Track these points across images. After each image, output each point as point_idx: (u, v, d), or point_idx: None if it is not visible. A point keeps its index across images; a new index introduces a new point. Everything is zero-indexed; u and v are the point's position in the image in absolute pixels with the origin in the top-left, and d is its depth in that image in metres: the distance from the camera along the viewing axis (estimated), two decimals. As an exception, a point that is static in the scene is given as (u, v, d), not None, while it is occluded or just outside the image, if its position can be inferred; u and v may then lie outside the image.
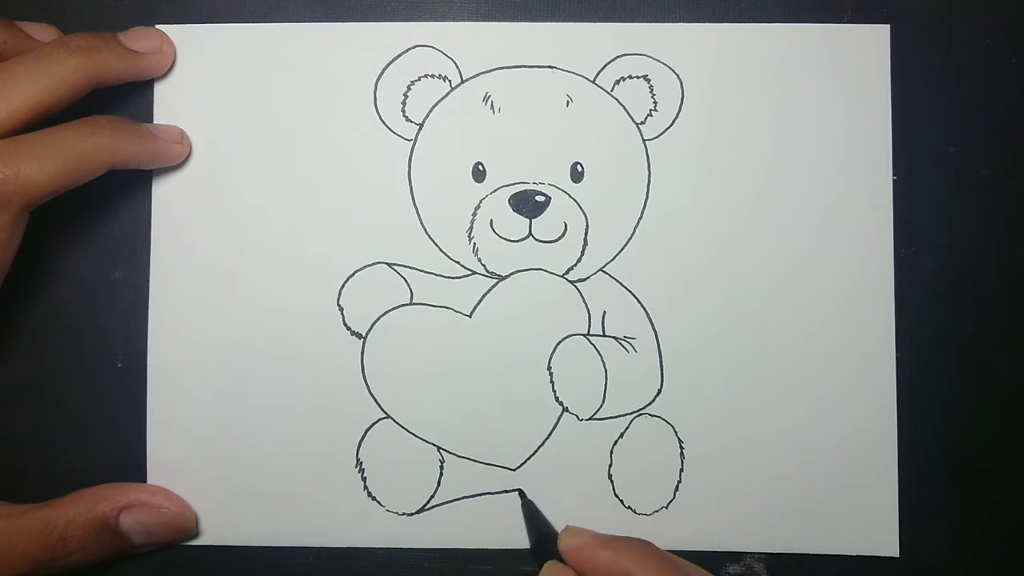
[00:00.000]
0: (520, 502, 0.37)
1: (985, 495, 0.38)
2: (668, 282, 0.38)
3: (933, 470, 0.38)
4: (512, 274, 0.38)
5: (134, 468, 0.38)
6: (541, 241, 0.38)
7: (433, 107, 0.39)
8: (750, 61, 0.38)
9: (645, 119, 0.38)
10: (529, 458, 0.38)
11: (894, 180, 0.38)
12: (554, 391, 0.38)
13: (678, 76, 0.38)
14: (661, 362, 0.38)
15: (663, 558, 0.33)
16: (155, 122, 0.38)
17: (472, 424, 0.38)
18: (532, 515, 0.37)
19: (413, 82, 0.39)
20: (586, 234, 0.38)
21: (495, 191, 0.38)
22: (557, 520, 0.37)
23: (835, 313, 0.38)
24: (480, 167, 0.38)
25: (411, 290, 0.38)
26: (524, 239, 0.38)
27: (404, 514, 0.38)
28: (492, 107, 0.38)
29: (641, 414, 0.38)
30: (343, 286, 0.38)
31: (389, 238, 0.38)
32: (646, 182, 0.38)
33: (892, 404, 0.38)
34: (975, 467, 0.38)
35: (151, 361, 0.38)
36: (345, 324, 0.38)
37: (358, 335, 0.38)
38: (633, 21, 0.39)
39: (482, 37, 0.39)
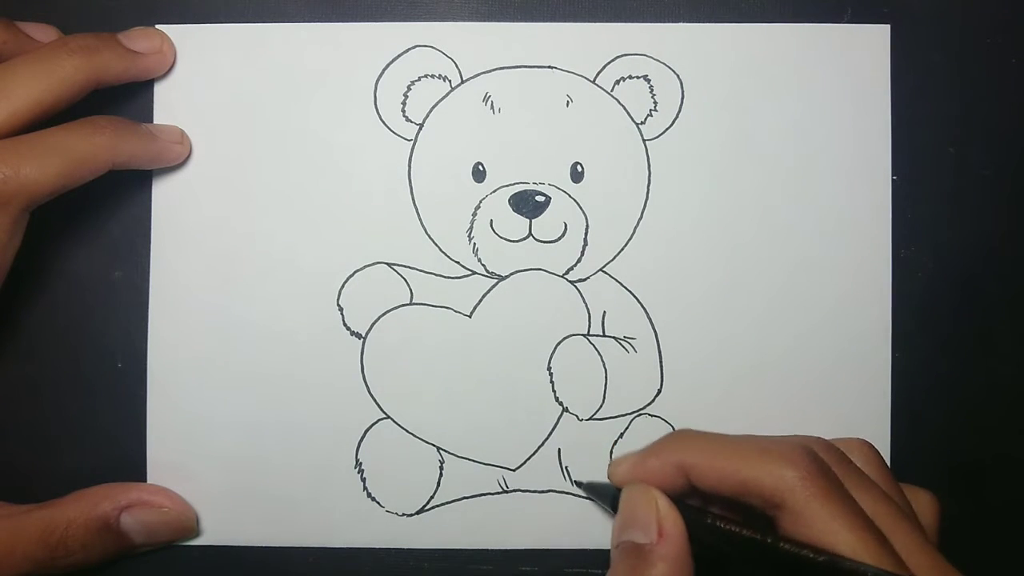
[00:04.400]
0: (582, 487, 0.37)
1: (979, 494, 0.38)
2: (668, 282, 0.38)
3: (928, 468, 0.38)
4: (512, 274, 0.38)
5: (134, 468, 0.38)
6: (541, 241, 0.38)
7: (433, 107, 0.39)
8: (750, 61, 0.38)
9: (645, 119, 0.38)
10: (529, 458, 0.38)
11: (894, 180, 0.38)
12: (554, 391, 0.38)
13: (678, 76, 0.38)
14: (661, 362, 0.38)
15: (704, 436, 0.32)
16: (155, 122, 0.38)
17: (472, 424, 0.38)
18: (592, 487, 0.36)
19: (413, 82, 0.39)
20: (586, 234, 0.38)
21: (495, 191, 0.38)
22: (556, 522, 0.38)
23: (834, 313, 0.38)
24: (480, 167, 0.38)
25: (411, 290, 0.38)
26: (524, 239, 0.38)
27: (404, 514, 0.38)
28: (492, 107, 0.38)
29: (641, 414, 0.38)
30: (343, 286, 0.38)
31: (389, 238, 0.38)
32: (646, 182, 0.38)
33: (887, 403, 0.38)
34: (970, 466, 0.38)
35: (151, 361, 0.38)
36: (345, 324, 0.38)
37: (358, 335, 0.38)
38: (633, 21, 0.39)
39: (482, 37, 0.39)
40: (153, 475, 0.38)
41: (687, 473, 0.31)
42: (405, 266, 0.38)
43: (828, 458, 0.31)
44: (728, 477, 0.30)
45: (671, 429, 0.38)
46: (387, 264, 0.38)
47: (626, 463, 0.33)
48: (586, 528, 0.38)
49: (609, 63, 0.38)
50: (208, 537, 0.38)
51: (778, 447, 0.30)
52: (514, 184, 0.38)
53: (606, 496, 0.35)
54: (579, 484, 0.38)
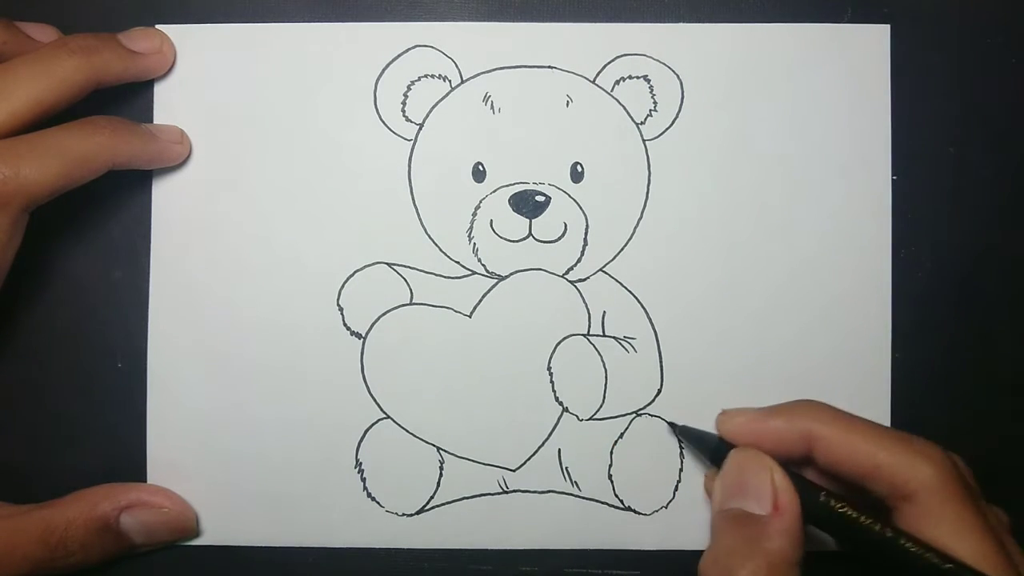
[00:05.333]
0: (676, 430, 0.37)
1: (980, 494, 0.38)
2: (668, 282, 0.38)
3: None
4: (512, 274, 0.38)
5: (134, 468, 0.38)
6: (541, 241, 0.38)
7: (433, 107, 0.39)
8: (750, 61, 0.38)
9: (645, 119, 0.38)
10: (529, 458, 0.38)
11: (894, 180, 0.38)
12: (554, 391, 0.38)
13: (678, 76, 0.38)
14: (661, 362, 0.38)
15: (836, 411, 0.32)
16: (155, 122, 0.38)
17: (472, 424, 0.38)
18: (689, 432, 0.36)
19: (413, 82, 0.39)
20: (586, 234, 0.38)
21: (495, 191, 0.38)
22: (556, 522, 0.38)
23: (834, 312, 0.38)
24: (480, 167, 0.38)
25: (411, 290, 0.38)
26: (524, 239, 0.38)
27: (404, 514, 0.38)
28: (492, 107, 0.38)
29: (641, 414, 0.38)
30: (343, 286, 0.38)
31: (389, 238, 0.38)
32: (646, 182, 0.38)
33: (887, 403, 0.38)
34: (970, 466, 0.38)
35: (151, 361, 0.38)
36: (345, 324, 0.38)
37: (358, 335, 0.38)
38: (633, 21, 0.39)
39: (482, 37, 0.39)
40: (153, 475, 0.38)
41: (812, 444, 0.31)
42: (405, 266, 0.38)
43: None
44: (862, 458, 0.30)
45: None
46: (387, 264, 0.38)
47: (742, 417, 0.33)
48: (586, 528, 0.38)
49: (609, 63, 0.38)
50: (208, 537, 0.38)
51: (919, 442, 0.30)
52: (514, 184, 0.38)
53: (706, 446, 0.35)
54: (674, 427, 0.37)
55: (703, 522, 0.38)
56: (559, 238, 0.38)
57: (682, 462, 0.38)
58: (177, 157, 0.38)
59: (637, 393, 0.38)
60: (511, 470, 0.38)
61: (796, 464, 0.33)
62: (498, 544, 0.38)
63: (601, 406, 0.38)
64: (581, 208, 0.38)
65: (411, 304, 0.38)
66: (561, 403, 0.38)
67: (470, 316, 0.38)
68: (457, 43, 0.38)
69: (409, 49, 0.39)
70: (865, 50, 0.38)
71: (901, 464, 0.29)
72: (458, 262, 0.38)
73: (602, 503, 0.38)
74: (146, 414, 0.38)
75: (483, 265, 0.38)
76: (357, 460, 0.38)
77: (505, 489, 0.38)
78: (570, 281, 0.38)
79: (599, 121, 0.38)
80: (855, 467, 0.30)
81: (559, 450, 0.38)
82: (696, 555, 0.36)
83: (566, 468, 0.38)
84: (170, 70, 0.38)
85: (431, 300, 0.38)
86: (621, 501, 0.38)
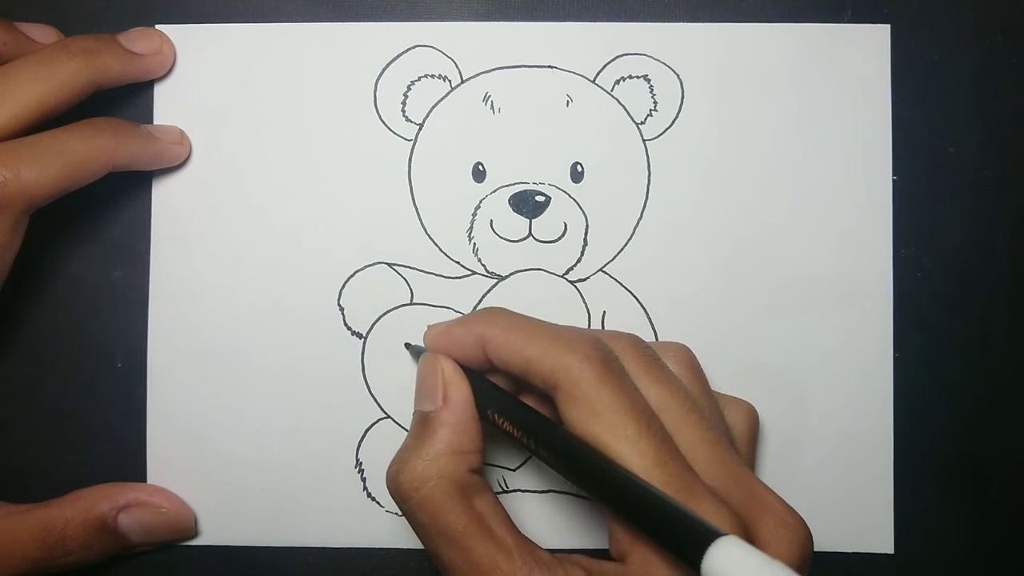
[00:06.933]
0: (409, 349, 0.37)
1: (980, 494, 0.38)
2: (668, 282, 0.38)
3: (929, 469, 0.38)
4: (512, 274, 0.38)
5: (134, 468, 0.38)
6: (541, 241, 0.38)
7: (433, 107, 0.39)
8: (750, 61, 0.38)
9: (645, 119, 0.38)
10: (529, 458, 0.38)
11: (894, 180, 0.38)
12: (554, 391, 0.38)
13: (678, 76, 0.38)
14: (661, 362, 0.38)
15: (515, 315, 0.33)
16: (155, 123, 0.38)
17: (472, 424, 0.38)
18: (416, 350, 0.36)
19: (413, 82, 0.39)
20: (586, 234, 0.38)
21: (495, 191, 0.38)
22: (556, 522, 0.38)
23: (835, 313, 0.38)
24: (480, 167, 0.38)
25: (411, 290, 0.38)
26: (524, 239, 0.38)
27: (404, 514, 0.38)
28: (492, 107, 0.38)
29: (641, 414, 0.38)
30: (343, 286, 0.38)
31: (389, 238, 0.38)
32: (646, 182, 0.38)
33: (889, 403, 0.38)
34: (971, 466, 0.38)
35: (151, 361, 0.38)
36: (345, 324, 0.38)
37: (358, 335, 0.38)
38: (633, 21, 0.39)
39: (482, 37, 0.39)
40: (153, 475, 0.38)
41: (485, 346, 0.31)
42: (405, 266, 0.38)
43: (623, 350, 0.31)
44: (516, 353, 0.31)
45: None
46: (387, 264, 0.38)
47: (435, 329, 0.33)
48: (586, 528, 0.38)
49: (609, 63, 0.38)
50: (207, 537, 0.38)
51: (568, 333, 0.30)
52: (514, 184, 0.38)
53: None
54: (407, 346, 0.37)
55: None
56: (559, 238, 0.38)
57: (682, 462, 0.38)
58: (177, 158, 0.38)
59: (637, 393, 0.38)
60: (511, 470, 0.38)
61: (493, 371, 0.33)
62: (498, 544, 0.38)
63: (601, 406, 0.38)
64: (581, 208, 0.38)
65: (411, 304, 0.38)
66: (561, 403, 0.38)
67: (470, 316, 0.38)
68: (457, 43, 0.38)
69: (409, 49, 0.39)
70: (865, 50, 0.38)
71: (543, 354, 0.30)
72: (458, 262, 0.38)
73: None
74: (146, 414, 0.38)
75: (483, 265, 0.38)
76: (357, 460, 0.38)
77: (505, 489, 0.38)
78: (570, 281, 0.38)
79: (599, 121, 0.38)
80: (514, 365, 0.31)
81: (559, 450, 0.38)
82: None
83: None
84: (170, 70, 0.38)
85: (431, 300, 0.38)
86: (621, 501, 0.38)
